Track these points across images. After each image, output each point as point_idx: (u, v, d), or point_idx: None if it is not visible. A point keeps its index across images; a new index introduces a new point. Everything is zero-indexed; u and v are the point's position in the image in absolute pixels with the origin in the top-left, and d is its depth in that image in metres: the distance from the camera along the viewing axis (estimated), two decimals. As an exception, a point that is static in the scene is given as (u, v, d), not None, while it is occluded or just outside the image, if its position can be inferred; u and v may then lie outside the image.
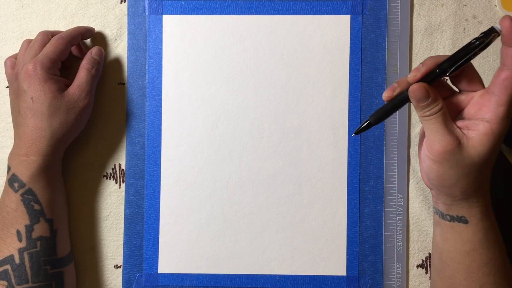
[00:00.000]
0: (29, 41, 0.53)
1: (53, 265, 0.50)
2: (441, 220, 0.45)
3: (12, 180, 0.50)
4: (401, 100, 0.43)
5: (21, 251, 0.49)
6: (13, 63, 0.53)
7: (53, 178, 0.52)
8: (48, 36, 0.53)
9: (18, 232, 0.49)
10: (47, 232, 0.50)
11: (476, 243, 0.43)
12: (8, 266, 0.48)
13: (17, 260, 0.48)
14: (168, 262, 0.56)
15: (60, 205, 0.53)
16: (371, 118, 0.44)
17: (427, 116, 0.42)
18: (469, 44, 0.41)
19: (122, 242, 0.57)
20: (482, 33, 0.41)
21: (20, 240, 0.49)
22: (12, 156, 0.51)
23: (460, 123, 0.43)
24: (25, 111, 0.50)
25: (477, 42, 0.41)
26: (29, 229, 0.49)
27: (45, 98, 0.49)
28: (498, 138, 0.41)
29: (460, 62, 0.41)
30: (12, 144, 0.57)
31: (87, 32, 0.55)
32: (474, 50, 0.41)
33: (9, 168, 0.50)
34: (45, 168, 0.50)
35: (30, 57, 0.51)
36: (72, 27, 0.57)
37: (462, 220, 0.44)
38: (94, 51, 0.55)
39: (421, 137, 0.47)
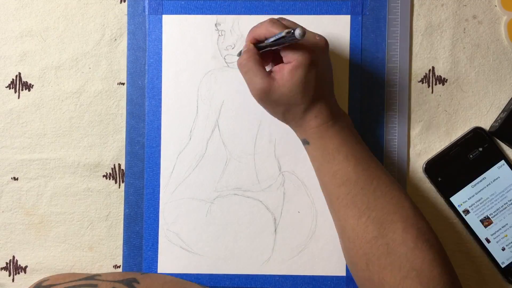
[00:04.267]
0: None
1: None
2: (304, 147, 0.52)
3: None
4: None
5: None
6: None
7: None
8: None
9: None
10: None
11: (319, 159, 0.50)
12: None
13: None
14: (168, 262, 0.56)
15: None
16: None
17: (239, 64, 0.49)
18: (279, 39, 0.45)
19: (121, 242, 0.57)
20: (288, 32, 0.43)
21: None
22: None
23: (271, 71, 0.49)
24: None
25: (283, 39, 0.44)
26: None
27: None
28: (302, 69, 0.46)
29: (266, 50, 0.49)
30: (11, 144, 0.57)
31: None
32: (280, 45, 0.46)
33: None
34: None
35: None
36: (72, 26, 0.57)
37: (306, 142, 0.50)
38: None
39: None
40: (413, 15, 0.57)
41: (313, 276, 0.56)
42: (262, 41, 0.49)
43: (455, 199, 0.55)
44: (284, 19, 0.49)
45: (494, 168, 0.55)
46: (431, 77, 0.57)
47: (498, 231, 0.55)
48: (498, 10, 0.56)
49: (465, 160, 0.55)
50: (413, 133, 0.57)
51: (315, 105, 0.48)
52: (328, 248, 0.56)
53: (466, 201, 0.55)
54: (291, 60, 0.46)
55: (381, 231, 0.45)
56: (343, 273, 0.56)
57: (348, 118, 0.52)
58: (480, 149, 0.55)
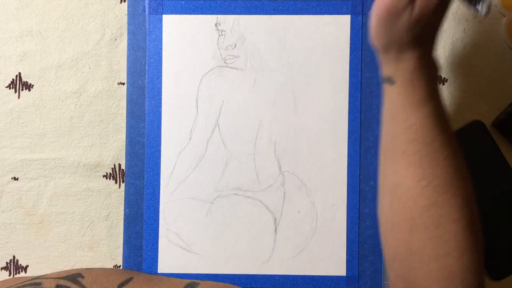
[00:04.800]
0: None
1: None
2: (383, 85, 0.46)
3: None
4: None
5: None
6: None
7: None
8: None
9: None
10: None
11: (399, 105, 0.44)
12: None
13: None
14: (168, 262, 0.56)
15: None
16: None
17: None
18: None
19: (121, 242, 0.57)
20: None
21: None
22: None
23: None
24: None
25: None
26: None
27: None
28: (446, 5, 0.43)
29: None
30: (12, 144, 0.57)
31: None
32: None
33: None
34: None
35: None
36: (72, 26, 0.57)
37: (391, 80, 0.45)
38: None
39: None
40: (413, 15, 0.57)
41: (313, 276, 0.56)
42: None
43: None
44: None
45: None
46: (431, 77, 0.57)
47: None
48: (498, 10, 0.56)
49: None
50: (413, 133, 0.57)
51: (427, 45, 0.44)
52: (328, 248, 0.56)
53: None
54: None
55: (439, 201, 0.42)
56: (343, 273, 0.56)
57: (438, 71, 0.47)
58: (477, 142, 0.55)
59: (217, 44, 0.57)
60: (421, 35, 0.43)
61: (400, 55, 0.44)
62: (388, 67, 0.45)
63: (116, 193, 0.57)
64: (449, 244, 0.41)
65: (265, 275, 0.56)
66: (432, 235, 0.42)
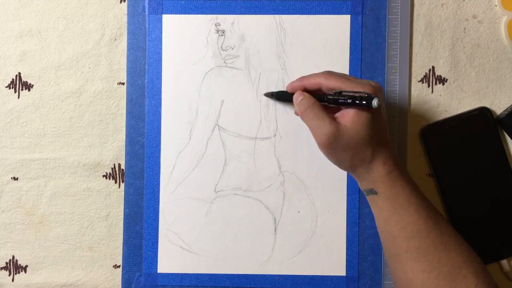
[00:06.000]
0: None
1: None
2: (367, 197, 0.50)
3: None
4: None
5: None
6: None
7: None
8: None
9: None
10: None
11: (388, 210, 0.47)
12: None
13: None
14: (168, 262, 0.56)
15: None
16: (275, 94, 0.55)
17: (303, 111, 0.49)
18: (347, 98, 0.46)
19: (121, 241, 0.57)
20: (362, 97, 0.45)
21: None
22: None
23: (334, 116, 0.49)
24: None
25: (353, 101, 0.46)
26: None
27: None
28: (369, 118, 0.46)
29: (333, 106, 0.49)
30: (11, 144, 0.57)
31: None
32: (346, 105, 0.47)
33: None
34: None
35: None
36: (72, 26, 0.57)
37: (373, 192, 0.48)
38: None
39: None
40: (413, 15, 0.57)
41: (313, 276, 0.56)
42: (312, 92, 0.50)
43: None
44: (334, 73, 0.50)
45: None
46: (431, 77, 0.57)
47: None
48: (498, 10, 0.56)
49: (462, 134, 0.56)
50: (413, 133, 0.56)
51: (382, 150, 0.48)
52: (328, 248, 0.56)
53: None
54: (348, 109, 0.47)
55: (454, 285, 0.44)
56: (343, 273, 0.56)
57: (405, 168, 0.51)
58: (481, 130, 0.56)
59: (217, 44, 0.57)
60: (365, 144, 0.47)
61: (367, 168, 0.48)
62: (364, 181, 0.49)
63: (116, 193, 0.57)
64: None
65: (264, 275, 0.56)
66: None
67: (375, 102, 0.44)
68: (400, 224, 0.47)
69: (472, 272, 0.45)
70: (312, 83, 0.50)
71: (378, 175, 0.48)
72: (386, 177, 0.47)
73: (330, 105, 0.48)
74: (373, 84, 0.48)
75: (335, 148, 0.47)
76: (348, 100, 0.46)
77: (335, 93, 0.48)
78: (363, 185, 0.50)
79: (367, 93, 0.45)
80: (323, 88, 0.49)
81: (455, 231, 0.47)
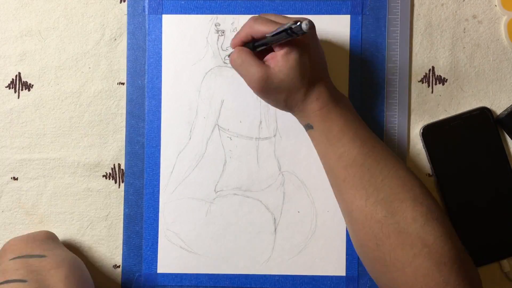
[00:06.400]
0: None
1: None
2: (307, 133, 0.52)
3: None
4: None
5: None
6: None
7: None
8: None
9: None
10: None
11: (324, 143, 0.49)
12: None
13: None
14: (167, 262, 0.56)
15: None
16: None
17: (232, 61, 0.50)
18: (278, 33, 0.45)
19: (121, 242, 0.57)
20: (291, 26, 0.42)
21: None
22: None
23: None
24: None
25: (285, 34, 0.44)
26: None
27: None
28: (296, 57, 0.47)
29: (263, 48, 0.49)
30: (11, 144, 0.57)
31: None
32: (279, 41, 0.46)
33: None
34: None
35: None
36: (72, 26, 0.57)
37: (309, 126, 0.50)
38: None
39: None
40: (413, 15, 0.57)
41: (313, 276, 0.56)
42: (249, 42, 0.50)
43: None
44: (260, 16, 0.49)
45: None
46: (431, 77, 0.57)
47: None
48: (498, 10, 0.56)
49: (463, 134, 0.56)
50: (413, 133, 0.56)
51: (314, 87, 0.49)
52: (328, 248, 0.56)
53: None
54: (282, 47, 0.47)
55: (391, 211, 0.45)
56: (343, 273, 0.56)
57: (348, 100, 0.52)
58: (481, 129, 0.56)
59: (217, 44, 0.57)
60: (296, 85, 0.48)
61: (302, 106, 0.50)
62: (301, 117, 0.51)
63: (116, 193, 0.57)
64: (416, 245, 0.43)
65: (264, 275, 0.56)
66: (397, 243, 0.44)
67: (304, 25, 0.41)
68: (336, 154, 0.48)
69: (409, 195, 0.45)
70: (243, 35, 0.50)
71: (312, 110, 0.49)
72: (319, 111, 0.49)
73: (259, 50, 0.49)
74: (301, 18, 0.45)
75: (267, 91, 0.48)
76: (272, 35, 0.45)
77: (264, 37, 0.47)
78: (301, 121, 0.51)
79: (294, 21, 0.42)
80: (254, 36, 0.49)
81: (393, 156, 0.48)
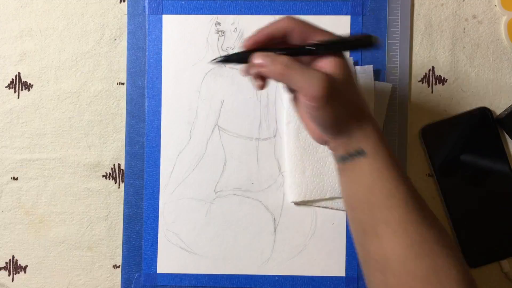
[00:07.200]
0: None
1: None
2: (344, 165, 0.43)
3: None
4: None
5: None
6: None
7: None
8: None
9: None
10: None
11: (375, 175, 0.41)
12: None
13: None
14: (167, 262, 0.56)
15: None
16: (223, 57, 0.43)
17: (284, 69, 0.40)
18: (306, 49, 0.41)
19: (121, 242, 0.57)
20: (359, 38, 0.41)
21: None
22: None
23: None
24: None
25: (313, 49, 0.40)
26: None
27: None
28: (349, 68, 0.41)
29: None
30: (11, 144, 0.57)
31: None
32: (307, 54, 0.41)
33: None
34: None
35: None
36: (72, 26, 0.57)
37: (360, 152, 0.42)
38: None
39: (297, 111, 0.46)
40: (413, 15, 0.57)
41: (312, 276, 0.56)
42: (272, 44, 0.42)
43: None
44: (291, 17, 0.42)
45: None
46: (431, 77, 0.57)
47: None
48: (498, 10, 0.56)
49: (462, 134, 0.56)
50: (413, 133, 0.56)
51: (366, 105, 0.43)
52: (327, 249, 0.56)
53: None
54: (329, 57, 0.41)
55: (436, 269, 0.39)
56: (343, 274, 0.56)
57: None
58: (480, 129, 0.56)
59: (217, 44, 0.57)
60: (362, 98, 0.42)
61: (360, 123, 0.42)
62: (355, 140, 0.42)
63: (116, 193, 0.57)
64: None
65: (264, 276, 0.56)
66: None
67: (373, 39, 0.40)
68: (383, 191, 0.41)
69: (451, 254, 0.40)
70: (272, 32, 0.41)
71: (368, 132, 0.42)
72: (376, 134, 0.42)
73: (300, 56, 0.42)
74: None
75: (334, 99, 0.39)
76: (324, 44, 0.40)
77: (321, 41, 0.41)
78: (351, 146, 0.42)
79: (363, 34, 0.40)
80: (288, 38, 0.42)
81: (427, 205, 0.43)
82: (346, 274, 0.56)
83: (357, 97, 0.42)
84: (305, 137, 0.55)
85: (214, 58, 0.43)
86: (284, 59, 0.40)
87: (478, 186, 0.55)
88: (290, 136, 0.55)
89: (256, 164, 0.56)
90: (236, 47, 0.57)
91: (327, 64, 0.40)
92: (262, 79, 0.43)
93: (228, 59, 0.43)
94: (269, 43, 0.42)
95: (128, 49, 0.57)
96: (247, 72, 0.43)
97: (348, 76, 0.41)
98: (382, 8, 0.57)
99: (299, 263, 0.56)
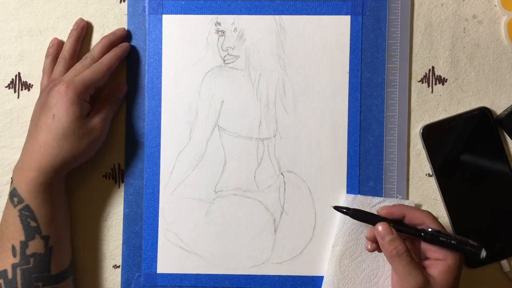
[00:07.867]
0: (62, 56, 0.55)
1: (45, 282, 0.50)
2: None
3: (12, 194, 0.50)
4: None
5: (14, 266, 0.49)
6: (50, 75, 0.54)
7: (53, 196, 0.51)
8: (94, 59, 0.54)
9: (13, 248, 0.49)
10: (42, 249, 0.49)
11: None
12: (1, 281, 0.49)
13: (10, 275, 0.48)
14: (167, 262, 0.56)
15: (59, 223, 0.52)
16: (351, 210, 0.50)
17: (395, 256, 0.47)
18: (437, 238, 0.47)
19: (121, 242, 0.57)
20: (470, 249, 0.47)
21: (14, 255, 0.49)
22: (15, 169, 0.51)
23: (421, 263, 0.48)
24: (41, 125, 0.50)
25: (458, 245, 0.47)
26: (24, 245, 0.49)
27: (66, 119, 0.49)
28: (457, 272, 0.47)
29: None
30: (11, 144, 0.57)
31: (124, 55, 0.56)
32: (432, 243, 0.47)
33: (11, 181, 0.51)
34: (45, 186, 0.50)
35: (68, 77, 0.51)
36: (72, 26, 0.57)
37: None
38: (120, 88, 0.55)
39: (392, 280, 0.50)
40: (413, 15, 0.57)
41: (312, 276, 0.56)
42: (397, 222, 0.49)
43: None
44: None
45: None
46: (431, 77, 0.57)
47: None
48: (498, 10, 0.56)
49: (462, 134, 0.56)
50: (413, 133, 0.56)
51: None
52: (328, 249, 0.56)
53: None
54: (443, 258, 0.47)
55: None
56: (343, 274, 0.56)
57: None
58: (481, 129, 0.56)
59: (217, 44, 0.57)
60: None
61: None
62: None
63: (116, 193, 0.57)
64: None
65: (264, 276, 0.56)
66: None
67: (483, 253, 0.46)
68: None
69: None
70: (398, 213, 0.49)
71: None
72: None
73: (415, 238, 0.49)
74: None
75: None
76: (452, 241, 0.46)
77: (433, 231, 0.47)
78: None
79: (475, 242, 0.47)
80: (408, 220, 0.49)
81: None
82: (346, 274, 0.56)
83: None
84: (347, 264, 0.55)
85: (336, 206, 0.51)
86: (401, 248, 0.47)
87: (478, 186, 0.55)
88: (332, 260, 0.55)
89: (256, 164, 0.56)
90: (236, 47, 0.57)
91: (437, 265, 0.47)
92: (375, 245, 0.50)
93: (356, 215, 0.50)
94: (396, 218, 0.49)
95: (128, 49, 0.57)
96: (371, 232, 0.50)
97: (445, 284, 0.46)
98: (382, 8, 0.57)
99: (299, 263, 0.56)
